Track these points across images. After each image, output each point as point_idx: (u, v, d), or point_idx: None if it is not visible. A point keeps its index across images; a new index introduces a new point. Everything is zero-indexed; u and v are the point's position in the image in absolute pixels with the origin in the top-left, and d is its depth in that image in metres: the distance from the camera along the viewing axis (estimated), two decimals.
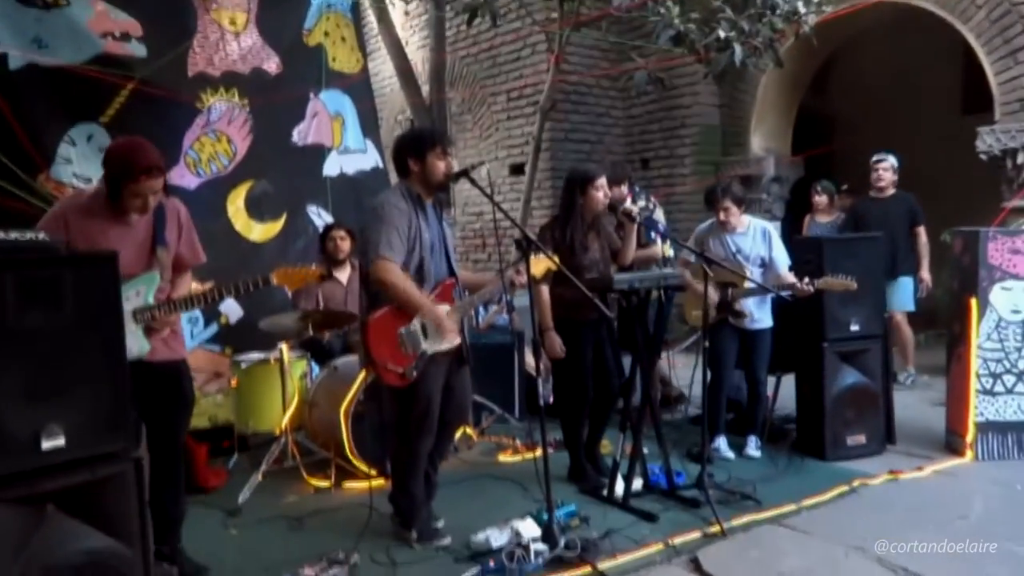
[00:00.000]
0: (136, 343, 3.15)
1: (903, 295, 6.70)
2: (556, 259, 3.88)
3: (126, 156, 3.10)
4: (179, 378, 3.47)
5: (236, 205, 6.40)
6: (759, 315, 4.97)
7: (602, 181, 4.48)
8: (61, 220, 3.18)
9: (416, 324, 3.58)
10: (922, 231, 6.72)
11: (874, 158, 6.82)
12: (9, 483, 2.31)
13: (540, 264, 3.77)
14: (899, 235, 6.58)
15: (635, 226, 4.58)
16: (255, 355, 5.13)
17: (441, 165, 3.71)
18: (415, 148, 3.73)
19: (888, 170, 6.73)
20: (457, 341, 3.72)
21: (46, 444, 2.35)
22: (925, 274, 6.74)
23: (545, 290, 4.34)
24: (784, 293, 4.57)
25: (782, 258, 4.97)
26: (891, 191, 6.76)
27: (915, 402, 6.17)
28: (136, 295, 3.21)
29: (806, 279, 4.64)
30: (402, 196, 3.68)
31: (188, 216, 3.53)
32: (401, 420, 3.75)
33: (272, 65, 6.64)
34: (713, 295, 4.77)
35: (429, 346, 3.62)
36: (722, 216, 4.95)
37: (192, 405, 3.62)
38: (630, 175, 5.95)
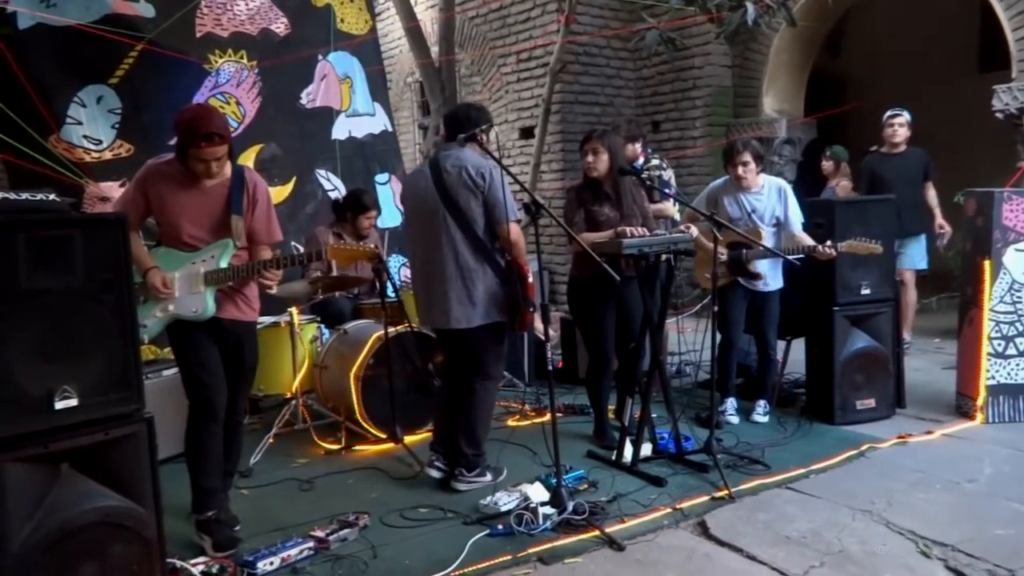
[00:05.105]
0: (202, 304, 3.32)
1: (916, 253, 6.55)
2: (562, 222, 4.00)
3: (190, 123, 3.25)
4: (241, 341, 3.53)
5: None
6: (771, 276, 4.91)
7: (591, 146, 4.42)
8: (142, 184, 3.36)
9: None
10: (930, 186, 6.51)
11: (888, 113, 6.61)
12: (24, 442, 2.35)
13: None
14: (913, 191, 6.41)
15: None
16: (266, 319, 5.14)
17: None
18: (488, 126, 3.93)
19: (903, 126, 6.51)
20: None
21: (59, 404, 2.39)
22: (944, 222, 6.48)
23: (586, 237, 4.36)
24: (796, 257, 4.48)
25: (796, 217, 4.88)
26: (904, 147, 6.58)
27: (926, 365, 6.16)
28: (211, 258, 3.37)
29: (828, 242, 4.56)
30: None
31: (266, 192, 3.60)
32: (499, 366, 4.11)
33: (280, 26, 6.59)
34: (724, 256, 4.72)
35: None
36: (740, 171, 4.80)
37: (252, 372, 3.68)
38: (643, 134, 5.91)
